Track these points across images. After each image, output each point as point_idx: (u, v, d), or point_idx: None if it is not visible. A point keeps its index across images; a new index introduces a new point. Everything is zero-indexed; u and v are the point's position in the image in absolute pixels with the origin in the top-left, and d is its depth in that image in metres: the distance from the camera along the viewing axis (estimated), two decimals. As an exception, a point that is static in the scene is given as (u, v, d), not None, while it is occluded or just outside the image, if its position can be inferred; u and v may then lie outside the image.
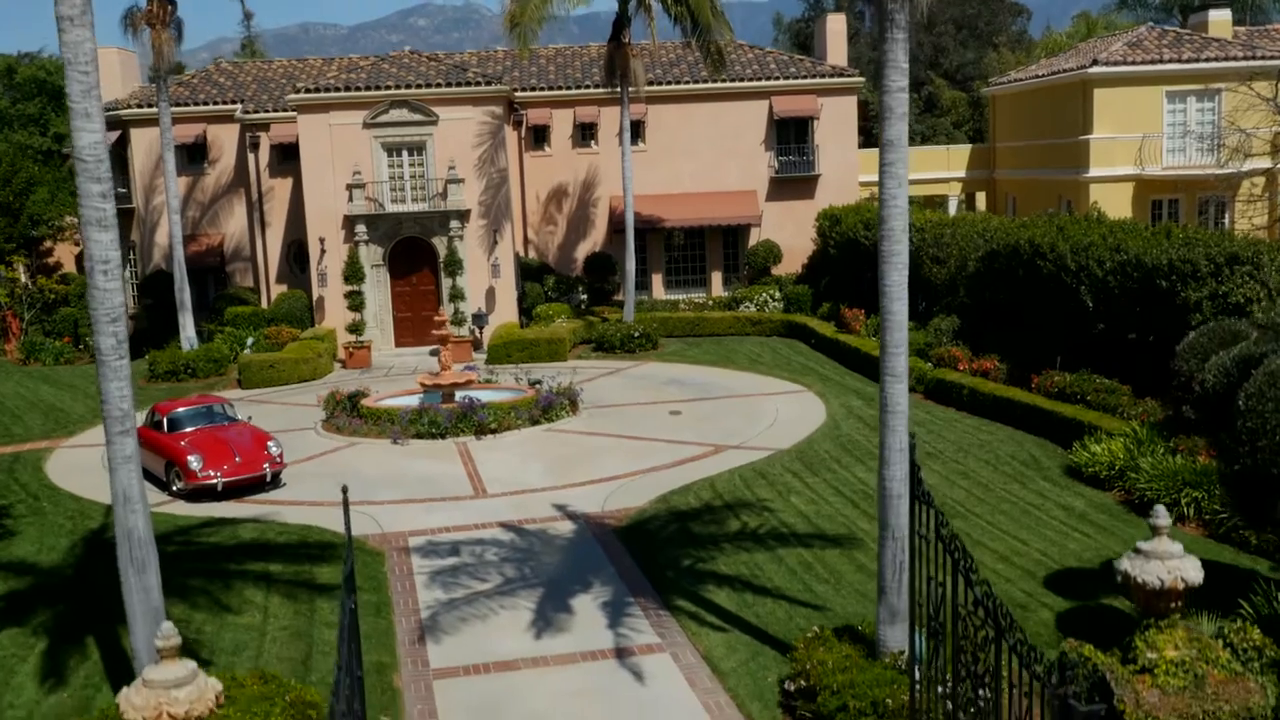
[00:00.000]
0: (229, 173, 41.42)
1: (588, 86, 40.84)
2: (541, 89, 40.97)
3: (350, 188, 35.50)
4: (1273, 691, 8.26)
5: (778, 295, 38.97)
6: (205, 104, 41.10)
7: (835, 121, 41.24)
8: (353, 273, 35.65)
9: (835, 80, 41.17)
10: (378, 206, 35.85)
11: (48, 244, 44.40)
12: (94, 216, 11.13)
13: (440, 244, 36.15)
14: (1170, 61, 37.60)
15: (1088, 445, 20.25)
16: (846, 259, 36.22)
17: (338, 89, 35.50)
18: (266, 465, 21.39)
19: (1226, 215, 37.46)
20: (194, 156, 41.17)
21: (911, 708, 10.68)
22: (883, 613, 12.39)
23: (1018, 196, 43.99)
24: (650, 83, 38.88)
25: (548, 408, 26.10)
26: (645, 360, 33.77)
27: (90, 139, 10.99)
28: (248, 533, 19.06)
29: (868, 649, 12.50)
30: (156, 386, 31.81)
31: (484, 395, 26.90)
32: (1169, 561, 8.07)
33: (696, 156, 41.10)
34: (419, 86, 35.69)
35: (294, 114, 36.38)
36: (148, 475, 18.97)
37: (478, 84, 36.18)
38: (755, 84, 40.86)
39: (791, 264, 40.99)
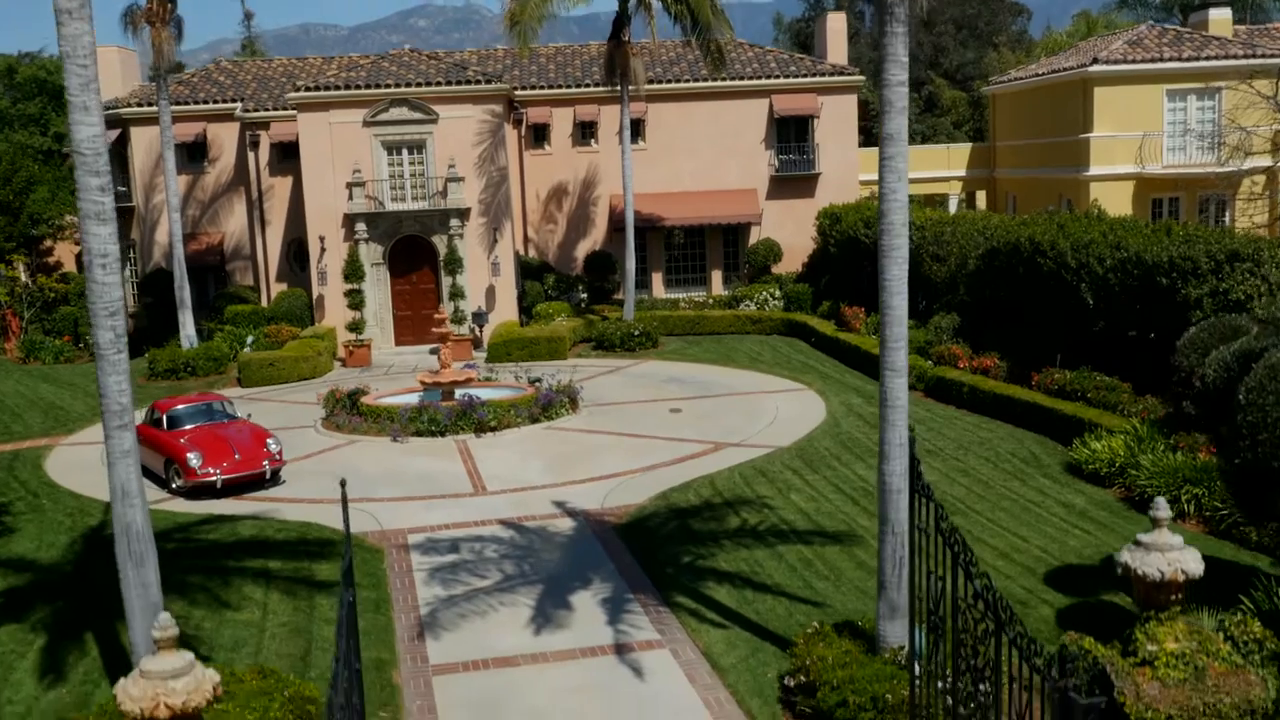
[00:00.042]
0: (229, 171, 41.42)
1: (588, 85, 40.83)
2: (542, 87, 40.97)
3: (350, 186, 35.49)
4: (1273, 684, 8.24)
5: (778, 294, 38.97)
6: (205, 103, 41.10)
7: (835, 120, 41.23)
8: (353, 271, 35.63)
9: (835, 79, 41.16)
10: (378, 205, 35.84)
11: (48, 243, 44.45)
12: (93, 210, 11.11)
13: (440, 242, 36.14)
14: (1170, 60, 37.58)
15: (1088, 442, 20.23)
16: (847, 257, 36.21)
17: (338, 87, 35.49)
18: (266, 463, 21.37)
19: (1227, 213, 37.44)
20: (194, 155, 41.17)
21: (911, 703, 10.66)
22: (882, 608, 12.37)
23: (1018, 195, 43.97)
24: (650, 81, 38.86)
25: (547, 405, 26.08)
26: (645, 358, 33.76)
27: (89, 132, 10.97)
28: (247, 530, 19.04)
29: (868, 644, 12.48)
30: (156, 385, 31.81)
31: (484, 393, 26.88)
32: (1169, 554, 8.05)
33: (697, 155, 41.09)
34: (419, 85, 35.68)
35: (294, 112, 36.37)
36: (147, 473, 18.98)
37: (478, 82, 36.17)
38: (755, 82, 40.84)
39: (792, 262, 40.97)
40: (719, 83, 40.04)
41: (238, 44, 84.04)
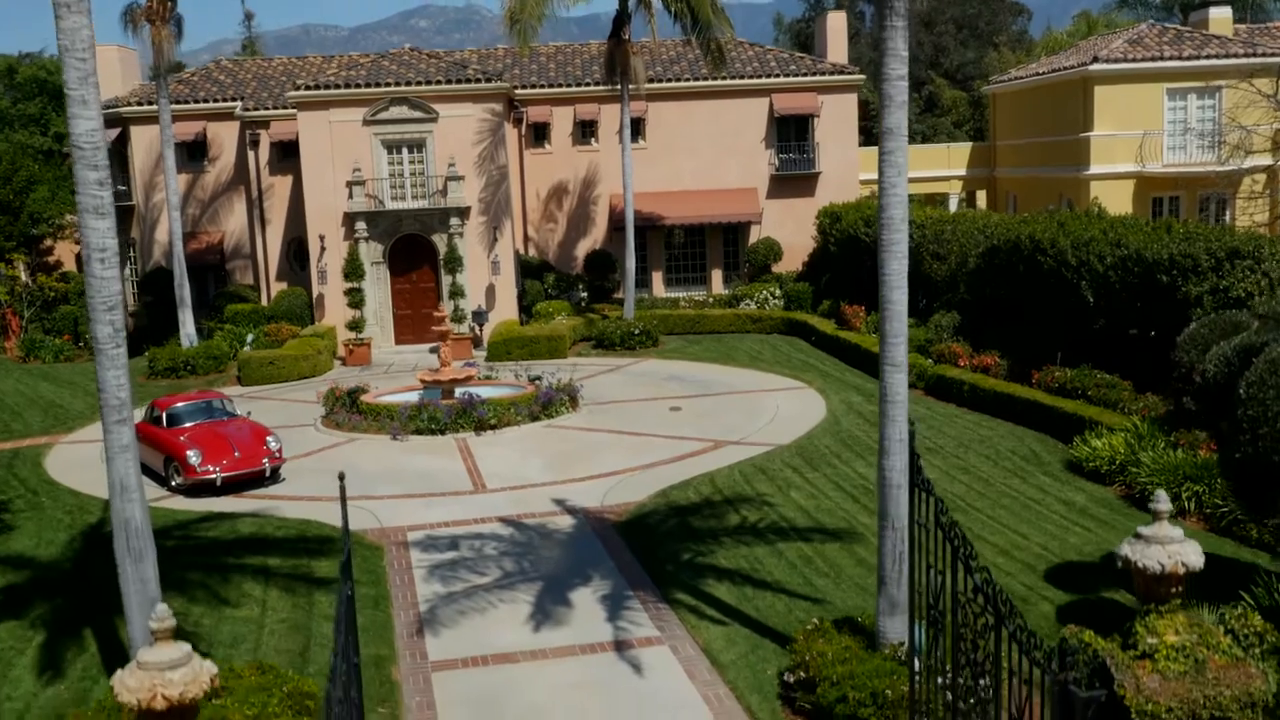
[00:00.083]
0: (229, 170, 41.41)
1: (588, 84, 40.83)
2: (542, 86, 40.96)
3: (350, 185, 35.48)
4: (1274, 677, 8.22)
5: (778, 293, 38.96)
6: (205, 101, 41.10)
7: (836, 119, 41.21)
8: (353, 270, 35.62)
9: (836, 78, 41.14)
10: (378, 203, 35.83)
11: (48, 242, 44.48)
12: (91, 204, 11.09)
13: (440, 241, 36.13)
14: (1171, 59, 37.57)
15: (1088, 440, 20.21)
16: (847, 256, 36.20)
17: (338, 86, 35.48)
18: (265, 460, 21.36)
19: (1227, 212, 37.42)
20: (194, 154, 41.16)
21: (911, 698, 10.64)
22: (882, 604, 12.35)
23: (1018, 194, 43.95)
24: (650, 80, 38.85)
25: (547, 404, 26.07)
26: (645, 357, 33.74)
27: (87, 126, 10.96)
28: (246, 527, 19.03)
29: (867, 640, 12.46)
30: (156, 383, 31.81)
31: (484, 391, 26.86)
32: (1169, 546, 8.03)
33: (697, 154, 41.08)
34: (419, 84, 35.67)
35: (294, 111, 36.36)
36: (147, 471, 18.97)
37: (478, 81, 36.15)
38: (756, 81, 40.83)
39: (792, 261, 40.96)
40: (719, 82, 40.04)
41: (238, 44, 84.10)
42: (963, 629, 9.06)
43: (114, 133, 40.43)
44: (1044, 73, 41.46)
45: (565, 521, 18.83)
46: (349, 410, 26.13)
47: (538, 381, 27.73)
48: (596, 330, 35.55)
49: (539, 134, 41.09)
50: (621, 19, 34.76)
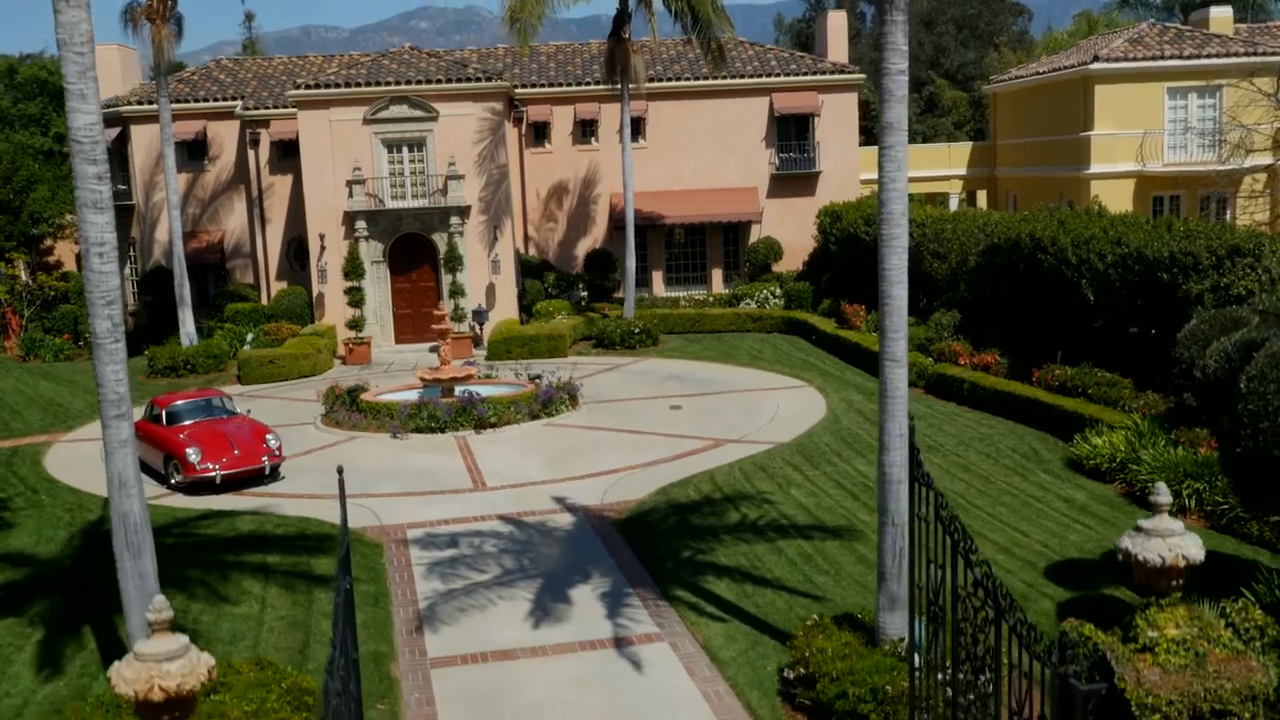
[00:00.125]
0: (229, 169, 41.40)
1: (588, 83, 40.82)
2: (542, 85, 40.95)
3: (350, 184, 35.47)
4: (1275, 671, 8.20)
5: (778, 292, 38.95)
6: (205, 101, 41.09)
7: (836, 119, 41.20)
8: (353, 269, 35.60)
9: (836, 77, 41.13)
10: (378, 202, 35.81)
11: (48, 242, 44.48)
12: (89, 198, 11.07)
13: (440, 240, 36.11)
14: (1171, 58, 37.55)
15: (1089, 438, 20.18)
16: (847, 255, 36.18)
17: (338, 85, 35.47)
18: (265, 458, 21.34)
19: (1228, 211, 37.39)
20: (194, 153, 41.15)
21: (911, 694, 10.62)
22: (882, 600, 12.33)
23: (1019, 194, 43.93)
24: (651, 79, 38.84)
25: (547, 402, 26.04)
26: (646, 356, 33.72)
27: (85, 120, 10.94)
28: (246, 525, 19.01)
29: (867, 636, 12.44)
30: (156, 382, 31.78)
31: (484, 390, 26.84)
32: (1170, 539, 8.01)
33: (697, 153, 41.06)
34: (419, 82, 35.65)
35: (294, 110, 36.35)
36: (146, 469, 18.98)
37: (478, 80, 36.14)
38: (756, 81, 40.82)
39: (792, 261, 40.94)
40: (719, 81, 40.03)
41: (239, 45, 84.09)
42: (963, 623, 9.04)
43: (114, 132, 40.41)
44: (1044, 72, 41.44)
45: (565, 519, 18.80)
46: (349, 409, 26.11)
47: (538, 380, 27.71)
48: (596, 329, 35.53)
49: (539, 133, 41.08)
50: (622, 18, 34.75)
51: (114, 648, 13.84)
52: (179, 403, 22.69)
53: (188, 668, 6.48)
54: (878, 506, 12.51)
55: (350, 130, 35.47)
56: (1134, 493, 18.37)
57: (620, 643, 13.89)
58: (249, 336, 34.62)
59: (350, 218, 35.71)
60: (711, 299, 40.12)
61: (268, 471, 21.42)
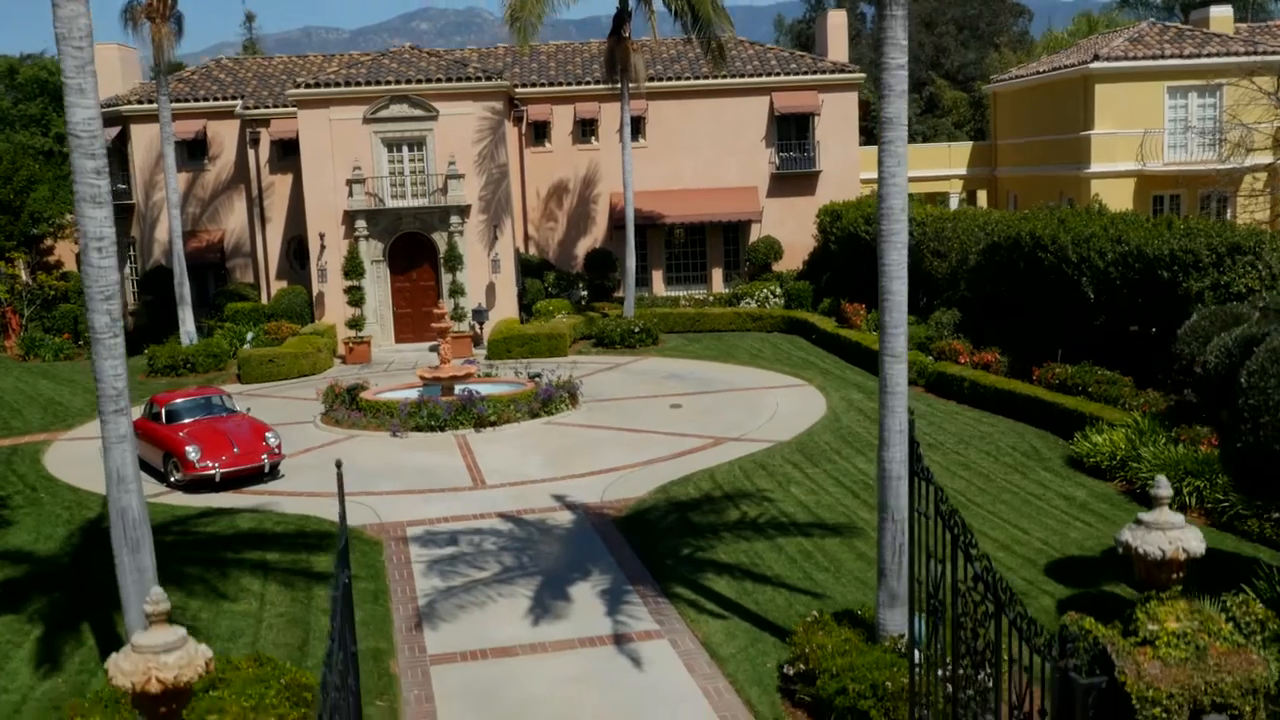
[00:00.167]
0: (229, 169, 41.40)
1: (588, 82, 40.81)
2: (542, 85, 40.94)
3: (350, 183, 35.46)
4: (1275, 664, 8.19)
5: (778, 291, 38.93)
6: (205, 100, 41.09)
7: (836, 118, 41.19)
8: (353, 268, 35.59)
9: (836, 76, 41.12)
10: (378, 202, 35.80)
11: (48, 242, 44.48)
12: (88, 193, 11.06)
13: (440, 239, 36.10)
14: (1172, 57, 37.54)
15: (1089, 436, 20.16)
16: (847, 255, 36.16)
17: (338, 84, 35.45)
18: (264, 456, 21.32)
19: (1228, 210, 37.37)
20: (194, 152, 41.14)
21: (911, 690, 10.59)
22: (882, 596, 12.31)
23: (1019, 193, 43.91)
24: (651, 78, 38.83)
25: (547, 401, 26.03)
26: (645, 355, 33.71)
27: (84, 114, 10.92)
28: (245, 522, 18.99)
29: (867, 633, 12.42)
30: (156, 381, 31.76)
31: (483, 388, 26.83)
32: (1170, 532, 7.99)
33: (697, 152, 41.05)
34: (419, 82, 35.64)
35: (294, 109, 36.35)
36: (146, 468, 18.97)
37: (478, 79, 36.13)
38: (756, 80, 40.80)
39: (792, 260, 40.92)
40: (719, 80, 40.03)
41: (239, 47, 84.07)
42: (963, 618, 9.02)
43: (114, 131, 40.41)
44: (1044, 71, 41.43)
45: (565, 517, 18.79)
46: (349, 407, 26.10)
47: (538, 379, 27.69)
48: (596, 328, 35.51)
49: (539, 132, 41.07)
50: (622, 17, 34.74)
51: (112, 644, 13.82)
52: (178, 401, 22.68)
53: (185, 659, 6.46)
54: (878, 503, 12.49)
55: (350, 129, 35.45)
56: (1134, 490, 18.36)
57: (620, 639, 13.88)
58: (249, 335, 34.61)
59: (350, 217, 35.70)
60: (711, 298, 40.10)
61: (267, 469, 21.41)
